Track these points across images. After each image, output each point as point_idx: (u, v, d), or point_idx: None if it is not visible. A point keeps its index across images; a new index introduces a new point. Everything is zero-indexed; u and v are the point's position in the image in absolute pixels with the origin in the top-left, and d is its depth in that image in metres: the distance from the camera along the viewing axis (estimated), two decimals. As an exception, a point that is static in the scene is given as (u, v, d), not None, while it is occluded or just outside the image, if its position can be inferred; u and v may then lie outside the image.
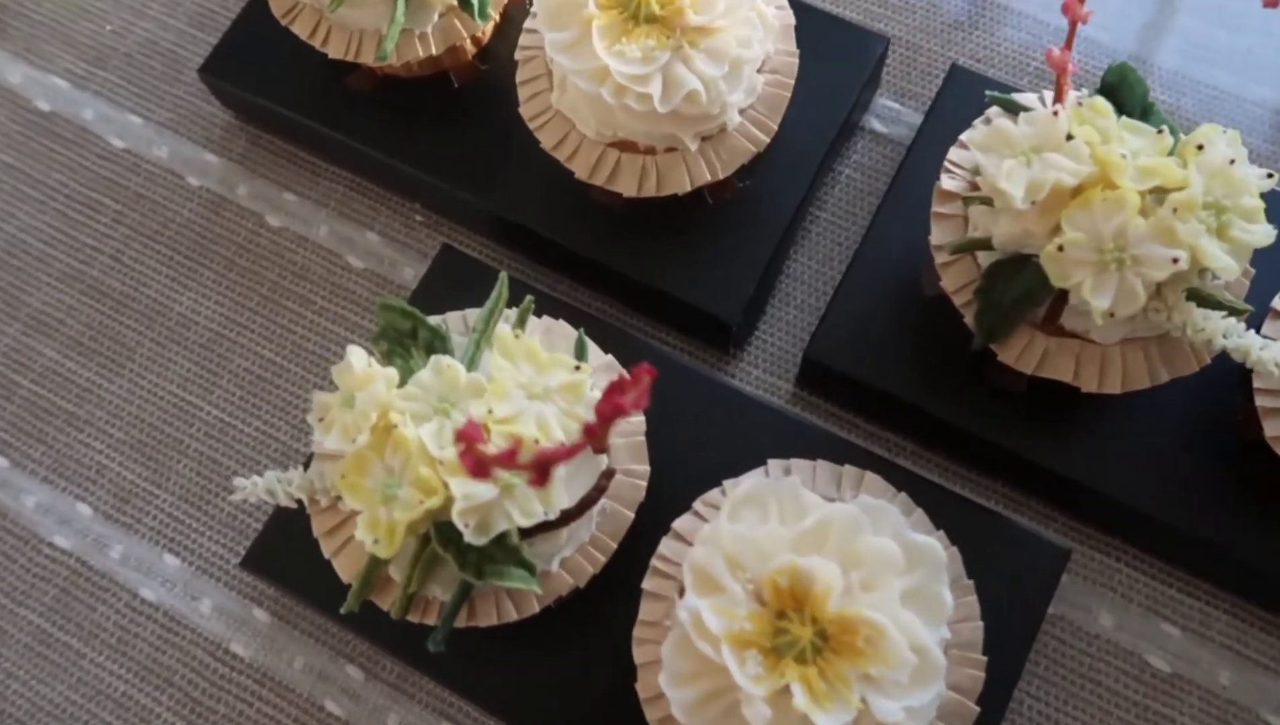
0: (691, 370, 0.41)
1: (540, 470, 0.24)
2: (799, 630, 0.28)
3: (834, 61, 0.44)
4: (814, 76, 0.42)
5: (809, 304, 0.45)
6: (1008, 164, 0.33)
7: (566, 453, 0.24)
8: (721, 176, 0.39)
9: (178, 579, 0.42)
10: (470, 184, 0.44)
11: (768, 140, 0.39)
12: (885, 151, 0.47)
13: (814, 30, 0.42)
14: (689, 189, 0.39)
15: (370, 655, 0.40)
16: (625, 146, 0.39)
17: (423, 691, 0.40)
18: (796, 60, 0.40)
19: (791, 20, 0.40)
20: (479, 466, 0.25)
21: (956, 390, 0.39)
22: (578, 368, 0.33)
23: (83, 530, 0.43)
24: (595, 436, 0.26)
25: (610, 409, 0.32)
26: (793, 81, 0.39)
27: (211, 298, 0.46)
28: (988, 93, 0.37)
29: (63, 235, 0.48)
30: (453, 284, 0.42)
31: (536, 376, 0.33)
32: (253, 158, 0.49)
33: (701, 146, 0.39)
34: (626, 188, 0.39)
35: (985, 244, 0.35)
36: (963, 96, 0.44)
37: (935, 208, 0.37)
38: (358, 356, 0.33)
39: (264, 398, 0.45)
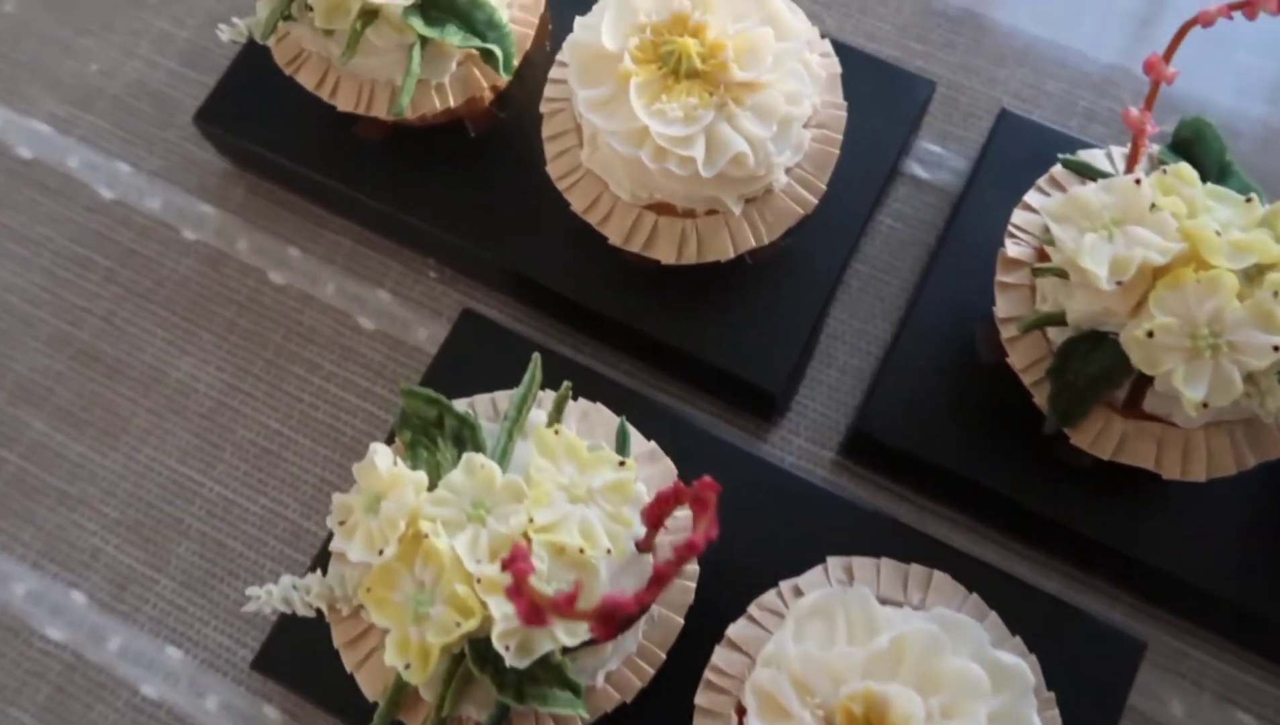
0: (732, 445, 0.38)
1: (606, 623, 0.22)
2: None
3: (877, 107, 0.41)
4: (856, 123, 0.39)
5: (851, 365, 0.42)
6: (1089, 239, 0.30)
7: (637, 605, 0.22)
8: (766, 242, 0.36)
9: (181, 674, 0.39)
10: (490, 241, 0.41)
11: (816, 201, 0.36)
12: (928, 199, 0.44)
13: (854, 73, 0.39)
14: (732, 255, 0.36)
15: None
16: (663, 209, 0.36)
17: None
18: (844, 113, 0.37)
19: (837, 69, 0.37)
20: (534, 614, 0.22)
21: (1017, 464, 0.37)
22: (622, 463, 0.30)
23: (77, 621, 0.40)
24: (667, 579, 0.23)
25: (658, 514, 0.29)
26: (840, 137, 0.37)
27: (212, 363, 0.43)
28: (1061, 157, 0.34)
29: (49, 295, 0.45)
30: (474, 352, 0.39)
31: (579, 476, 0.30)
32: (252, 208, 0.46)
33: (745, 209, 0.36)
34: (665, 255, 0.36)
35: (1058, 319, 0.33)
36: (1013, 143, 0.41)
37: (1000, 277, 0.35)
38: (383, 457, 0.30)
39: (270, 472, 0.42)
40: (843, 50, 0.40)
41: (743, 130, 0.33)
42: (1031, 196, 0.35)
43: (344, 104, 0.39)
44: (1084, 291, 0.31)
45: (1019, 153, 0.41)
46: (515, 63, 0.37)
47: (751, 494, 0.37)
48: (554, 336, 0.43)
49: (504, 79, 0.36)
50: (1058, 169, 0.35)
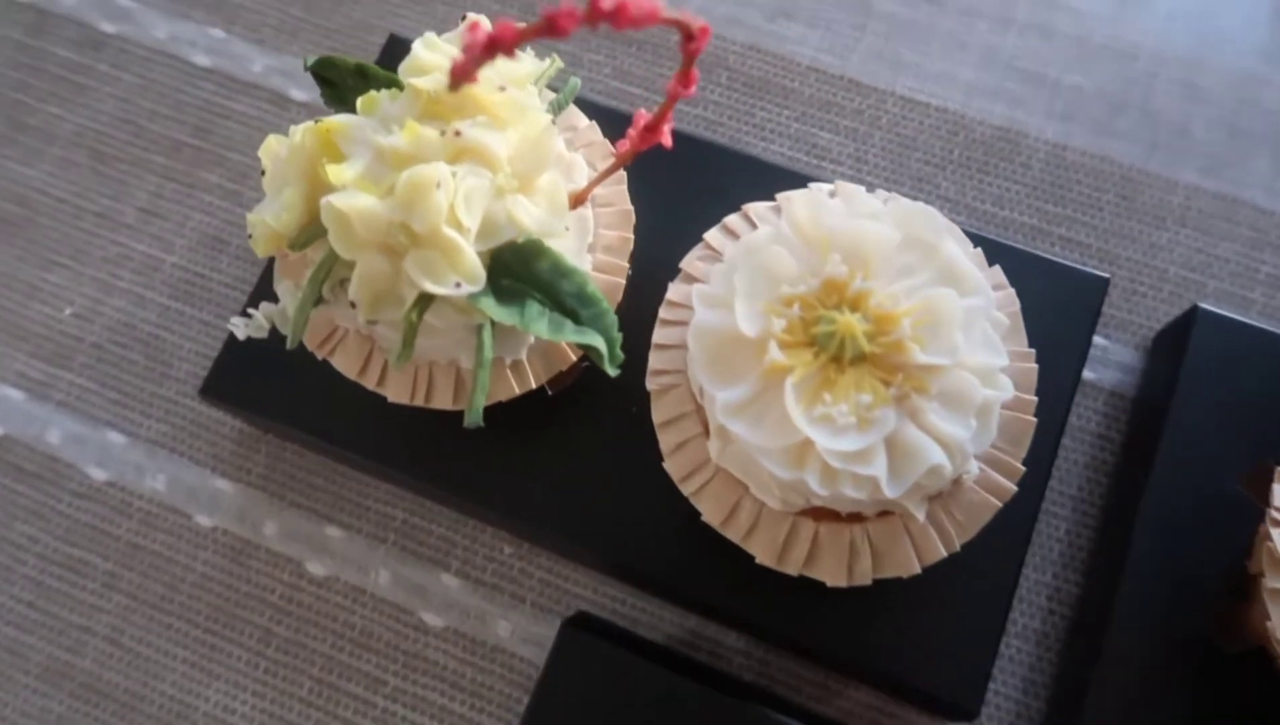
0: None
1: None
2: None
3: (1043, 319, 0.33)
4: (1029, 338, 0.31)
5: (1034, 630, 0.34)
6: None
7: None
8: (959, 547, 0.28)
9: None
10: (580, 529, 0.33)
11: (1015, 488, 0.28)
12: (1096, 405, 0.36)
13: (1018, 279, 0.32)
14: (918, 571, 0.28)
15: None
16: (822, 513, 0.28)
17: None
18: (1035, 365, 0.29)
19: (1016, 305, 0.30)
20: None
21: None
22: None
23: None
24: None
25: None
26: (1035, 398, 0.29)
27: (247, 688, 0.35)
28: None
29: (39, 613, 0.37)
30: (588, 669, 0.31)
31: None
32: (278, 480, 0.38)
33: (930, 508, 0.28)
34: (831, 576, 0.28)
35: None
36: (1211, 345, 0.34)
37: (1270, 581, 0.27)
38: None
39: (336, 832, 0.34)
40: (985, 245, 0.32)
41: (934, 431, 0.26)
42: (1298, 468, 0.28)
43: (396, 395, 0.31)
44: None
45: (1222, 358, 0.33)
46: (619, 349, 0.28)
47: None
48: (675, 625, 0.35)
49: (613, 372, 0.28)
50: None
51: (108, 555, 0.37)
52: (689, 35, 0.24)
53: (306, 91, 0.42)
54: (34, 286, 0.41)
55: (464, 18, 0.30)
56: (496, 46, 0.21)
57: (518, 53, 0.22)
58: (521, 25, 0.21)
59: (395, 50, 0.38)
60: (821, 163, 0.40)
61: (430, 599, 0.36)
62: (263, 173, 0.30)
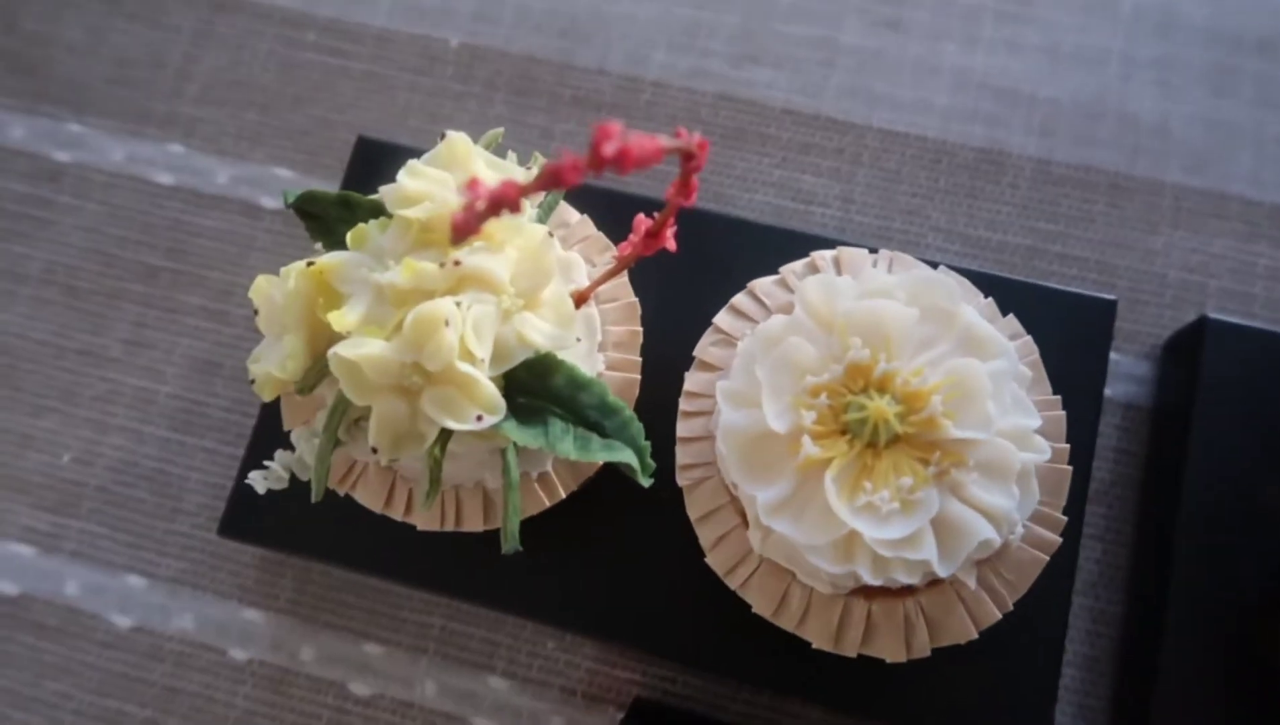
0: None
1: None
2: None
3: (1056, 352, 0.33)
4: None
5: (1084, 655, 0.34)
6: None
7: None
8: (1011, 606, 0.28)
9: None
10: (627, 619, 0.33)
11: (1060, 539, 0.28)
12: (1115, 420, 0.36)
13: (1028, 314, 0.32)
14: (975, 636, 0.28)
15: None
16: (873, 590, 0.28)
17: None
18: (1063, 414, 0.29)
19: (1035, 352, 0.30)
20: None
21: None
22: None
23: None
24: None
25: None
26: (1067, 446, 0.29)
27: (308, 822, 0.35)
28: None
29: (83, 774, 0.36)
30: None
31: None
32: (308, 603, 0.37)
33: (979, 572, 0.28)
34: (890, 653, 0.28)
35: None
36: (1224, 355, 0.34)
37: (1322, 601, 0.27)
38: None
39: None
40: (991, 284, 0.32)
41: (978, 504, 0.26)
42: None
43: (425, 524, 0.30)
44: None
45: (1237, 368, 0.34)
46: (650, 459, 0.28)
47: None
48: (730, 696, 0.35)
49: (645, 482, 0.28)
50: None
51: (145, 703, 0.36)
52: (689, 156, 0.23)
53: (276, 198, 0.41)
54: (26, 435, 0.40)
55: (443, 136, 0.29)
56: (501, 206, 0.21)
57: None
58: (524, 182, 0.21)
59: (367, 154, 0.37)
60: (810, 207, 0.39)
61: (480, 704, 0.36)
62: (255, 312, 0.29)
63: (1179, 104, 0.39)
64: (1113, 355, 0.37)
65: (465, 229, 0.21)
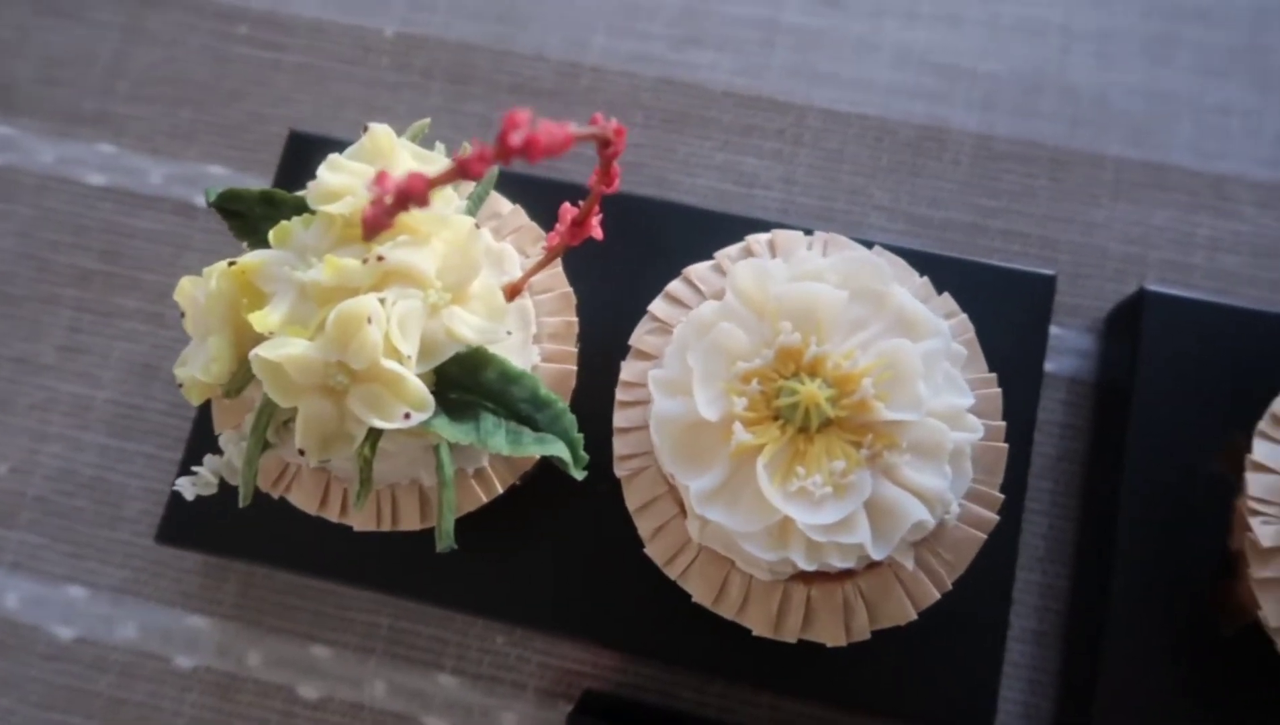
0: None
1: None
2: None
3: (993, 328, 0.33)
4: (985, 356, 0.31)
5: (1031, 630, 0.34)
6: None
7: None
8: (950, 585, 0.28)
9: None
10: (574, 611, 0.32)
11: (997, 518, 0.28)
12: (1059, 395, 0.36)
13: (966, 292, 0.32)
14: (914, 617, 0.28)
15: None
16: (812, 574, 0.28)
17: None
18: (999, 392, 0.29)
19: (970, 331, 0.30)
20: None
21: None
22: None
23: None
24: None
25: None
26: (1003, 423, 0.29)
27: (260, 828, 0.34)
28: None
29: (30, 788, 0.35)
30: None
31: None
32: (253, 607, 0.36)
33: (917, 553, 0.28)
34: (830, 637, 0.28)
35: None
36: (1164, 326, 0.34)
37: (1256, 571, 0.27)
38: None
39: None
40: (928, 263, 0.32)
41: (911, 485, 0.25)
42: (1263, 450, 0.28)
43: (361, 524, 0.30)
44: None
45: (1175, 338, 0.34)
46: (583, 451, 0.28)
47: None
48: (679, 684, 0.35)
49: (579, 475, 0.28)
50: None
51: (91, 714, 0.36)
52: (605, 143, 0.23)
53: (212, 195, 0.41)
54: (-38, 446, 0.39)
55: (366, 129, 0.28)
56: (408, 199, 0.20)
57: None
58: (431, 174, 0.20)
59: (299, 149, 0.37)
60: (751, 190, 0.39)
61: (430, 702, 0.35)
62: (182, 315, 0.28)
63: (1119, 75, 0.39)
64: (1056, 330, 0.37)
65: (375, 224, 0.20)
